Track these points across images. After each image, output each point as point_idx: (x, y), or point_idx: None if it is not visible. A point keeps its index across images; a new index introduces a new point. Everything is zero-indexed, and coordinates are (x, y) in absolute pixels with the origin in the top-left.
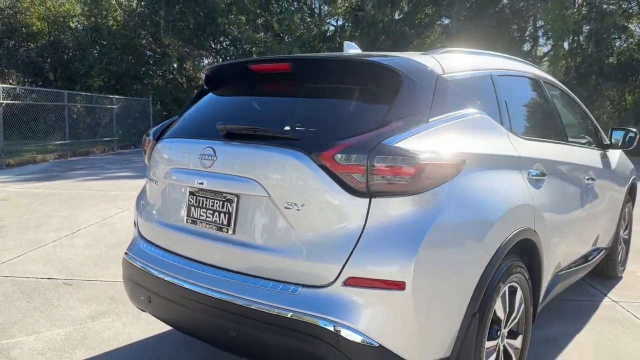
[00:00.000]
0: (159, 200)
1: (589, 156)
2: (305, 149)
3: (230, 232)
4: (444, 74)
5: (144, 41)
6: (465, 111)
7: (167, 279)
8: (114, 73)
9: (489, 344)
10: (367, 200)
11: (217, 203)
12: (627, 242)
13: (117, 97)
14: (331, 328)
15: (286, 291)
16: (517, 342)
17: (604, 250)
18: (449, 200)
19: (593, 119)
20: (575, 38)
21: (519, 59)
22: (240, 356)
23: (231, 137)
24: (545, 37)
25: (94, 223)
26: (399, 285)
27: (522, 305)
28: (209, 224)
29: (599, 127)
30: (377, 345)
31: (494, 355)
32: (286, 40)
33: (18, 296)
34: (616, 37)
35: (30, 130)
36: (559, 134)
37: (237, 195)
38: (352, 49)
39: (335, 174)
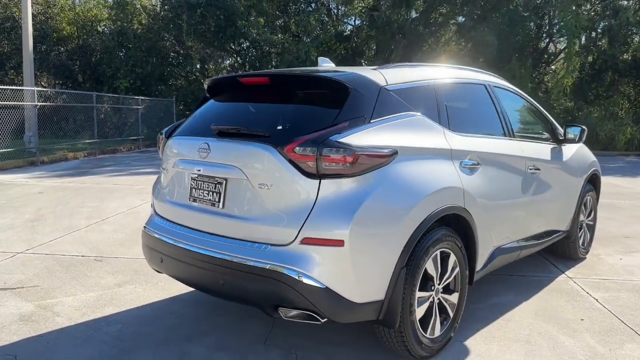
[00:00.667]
0: (169, 184)
1: (535, 149)
2: (273, 143)
3: (221, 206)
4: (386, 85)
5: (167, 44)
6: (404, 114)
7: (174, 243)
8: (139, 75)
9: (421, 294)
10: (318, 181)
11: (211, 185)
12: (591, 228)
13: (142, 98)
14: (291, 274)
15: (259, 249)
16: (453, 298)
17: (560, 233)
18: (382, 181)
19: (550, 118)
20: (590, 35)
21: (471, 68)
22: (227, 300)
23: (221, 135)
24: (559, 35)
25: (121, 212)
26: (339, 243)
27: (457, 269)
28: (205, 201)
29: (556, 124)
30: (324, 287)
31: (427, 304)
32: (303, 41)
33: (58, 269)
34: (631, 33)
35: (62, 130)
36: (501, 131)
37: (226, 179)
38: (325, 63)
39: (295, 162)
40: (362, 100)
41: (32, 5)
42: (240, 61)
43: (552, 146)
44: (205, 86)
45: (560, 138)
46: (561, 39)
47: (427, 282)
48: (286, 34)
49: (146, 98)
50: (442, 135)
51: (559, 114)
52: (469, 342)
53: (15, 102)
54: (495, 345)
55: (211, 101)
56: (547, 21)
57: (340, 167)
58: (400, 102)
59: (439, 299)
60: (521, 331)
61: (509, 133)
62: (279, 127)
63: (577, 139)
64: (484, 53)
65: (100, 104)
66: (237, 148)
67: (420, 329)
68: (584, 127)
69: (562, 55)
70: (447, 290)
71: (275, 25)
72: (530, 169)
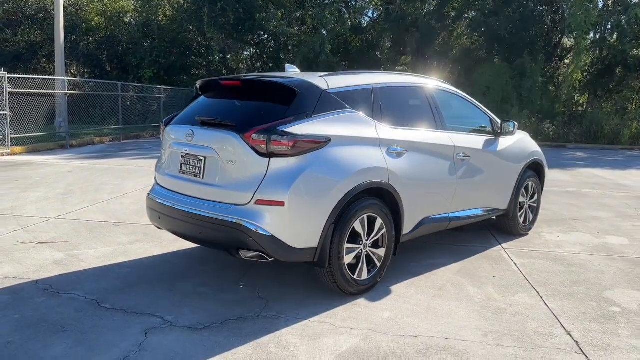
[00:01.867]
0: (166, 161)
1: (467, 140)
2: (237, 131)
3: (201, 177)
4: (328, 89)
5: (190, 35)
6: (342, 111)
7: (168, 204)
8: (163, 65)
9: (349, 246)
10: (268, 159)
11: (194, 161)
12: (533, 209)
13: (164, 87)
14: (248, 226)
15: (227, 208)
16: (380, 252)
17: (498, 210)
18: (316, 160)
19: (488, 114)
20: (599, 30)
21: (413, 74)
22: (203, 245)
23: (203, 124)
24: (568, 30)
25: (138, 189)
26: (281, 204)
27: (384, 230)
28: (191, 174)
29: (495, 120)
30: (270, 235)
31: (355, 254)
32: (320, 33)
33: (83, 230)
34: None
35: (90, 116)
36: (434, 125)
37: (205, 157)
38: (291, 69)
39: (252, 145)
40: (305, 100)
41: None
42: (258, 52)
43: (487, 138)
44: (197, 86)
45: (498, 131)
46: (571, 34)
47: (356, 238)
48: (303, 27)
49: (168, 87)
50: (373, 128)
51: (570, 108)
52: (394, 287)
53: (47, 91)
54: (414, 289)
55: (201, 97)
56: (560, 16)
57: (284, 149)
58: (339, 102)
59: (367, 251)
60: (439, 281)
61: (441, 126)
62: (243, 119)
63: (513, 132)
64: (495, 47)
65: (125, 93)
66: (213, 134)
67: (349, 272)
68: (515, 122)
69: (573, 50)
70: (376, 245)
71: (292, 18)
72: (459, 156)
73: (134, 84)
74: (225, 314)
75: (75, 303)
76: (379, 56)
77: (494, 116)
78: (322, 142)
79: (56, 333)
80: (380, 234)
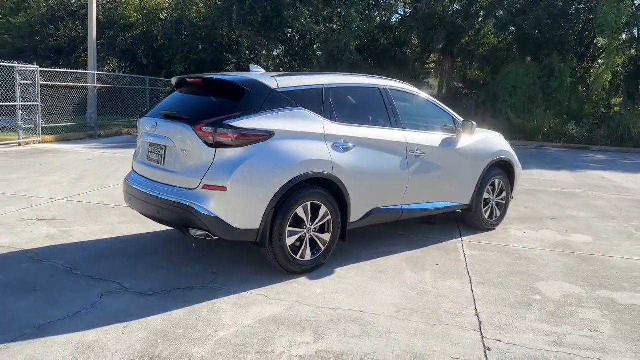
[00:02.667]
0: (139, 150)
1: (423, 138)
2: (190, 124)
3: (162, 164)
4: (277, 88)
5: (220, 32)
6: (289, 108)
7: (137, 188)
8: (194, 60)
9: (292, 229)
10: (215, 149)
11: (157, 150)
12: (501, 206)
13: None
14: (197, 208)
15: (180, 191)
16: (325, 237)
17: (459, 205)
18: (258, 151)
19: (451, 115)
20: (634, 30)
21: (370, 76)
22: (161, 223)
23: (165, 117)
24: (598, 30)
25: None
26: (224, 189)
27: (329, 217)
28: (154, 161)
29: (457, 120)
30: (215, 216)
31: (297, 237)
32: (344, 31)
33: (82, 211)
34: None
35: (119, 108)
36: (388, 123)
37: (165, 146)
38: (255, 69)
39: (201, 137)
40: (254, 97)
41: None
42: (286, 50)
43: (447, 136)
44: (172, 82)
45: (459, 130)
46: (602, 34)
47: (300, 222)
48: (329, 25)
49: None
50: (320, 124)
51: (600, 109)
52: (338, 269)
53: (75, 84)
54: (355, 272)
55: (175, 92)
56: (594, 15)
57: (228, 141)
58: (288, 100)
59: (311, 235)
60: (382, 266)
61: (395, 124)
62: (197, 113)
63: (472, 131)
64: (523, 46)
65: (153, 87)
66: (171, 126)
67: (291, 253)
68: (474, 122)
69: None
70: (321, 230)
71: (319, 16)
72: (413, 152)
73: (162, 79)
74: (176, 284)
75: (52, 269)
76: (408, 54)
77: (457, 116)
78: (264, 136)
79: (28, 292)
80: (325, 220)
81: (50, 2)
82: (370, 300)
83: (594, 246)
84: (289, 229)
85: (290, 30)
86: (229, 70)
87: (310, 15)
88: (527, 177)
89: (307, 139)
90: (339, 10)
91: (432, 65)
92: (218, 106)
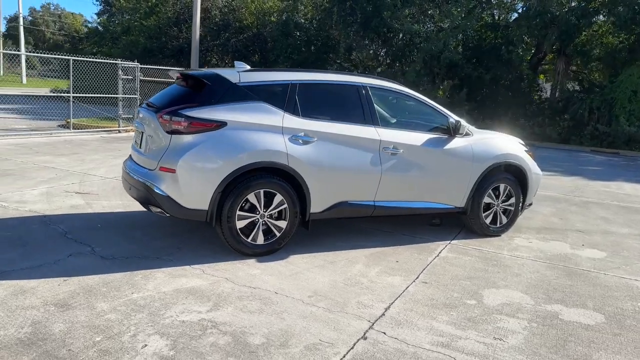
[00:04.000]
0: (134, 137)
1: (401, 136)
2: (155, 112)
3: (140, 148)
4: (238, 82)
5: (323, 32)
6: (249, 101)
7: (126, 170)
8: (296, 61)
9: (243, 213)
10: (170, 136)
11: (139, 135)
12: (508, 212)
13: None
14: (153, 188)
15: (145, 172)
16: (281, 224)
17: (450, 207)
18: (209, 139)
19: (446, 115)
20: None
21: (351, 73)
22: (139, 203)
23: (147, 106)
24: None
25: None
26: (173, 171)
27: (285, 205)
28: (138, 145)
29: (453, 122)
30: (166, 195)
31: (248, 221)
32: (445, 30)
33: (117, 188)
34: None
35: None
36: (362, 120)
37: (142, 132)
38: (240, 65)
39: (161, 124)
40: (213, 90)
41: None
42: (385, 50)
43: (434, 136)
44: (174, 77)
45: (453, 131)
46: None
47: (254, 208)
48: (429, 24)
49: None
50: (279, 118)
51: None
52: (293, 256)
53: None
54: (307, 260)
55: (172, 86)
56: None
57: (181, 128)
58: (248, 93)
59: (264, 221)
60: (338, 258)
61: (370, 121)
62: (164, 103)
63: (463, 133)
64: None
65: None
66: (146, 114)
67: (241, 235)
68: (463, 123)
69: None
70: (277, 218)
71: (419, 15)
72: (387, 149)
73: None
74: (137, 253)
75: (51, 232)
76: (517, 53)
77: (452, 116)
78: (215, 125)
79: (17, 247)
80: (281, 208)
81: (177, 6)
82: (296, 284)
83: (599, 263)
84: (239, 212)
85: (386, 30)
86: (331, 69)
87: (410, 15)
88: (600, 189)
89: (262, 130)
90: (440, 9)
91: (547, 67)
92: (184, 97)
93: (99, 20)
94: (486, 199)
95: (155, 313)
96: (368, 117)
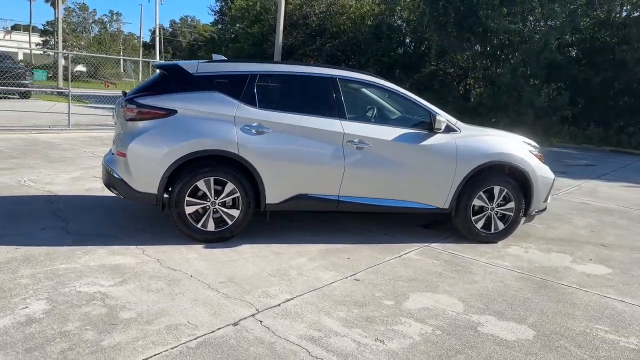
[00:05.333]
0: None
1: (369, 129)
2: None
3: (114, 138)
4: (195, 72)
5: (416, 35)
6: (203, 91)
7: (104, 162)
8: (386, 63)
9: (192, 199)
10: (127, 122)
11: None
12: (506, 218)
13: None
14: (111, 172)
15: (110, 157)
16: (233, 212)
17: (433, 208)
18: (158, 126)
19: (429, 109)
20: None
21: (323, 65)
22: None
23: (124, 95)
24: None
25: None
26: (124, 156)
27: (237, 194)
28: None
29: (435, 118)
30: (120, 178)
31: (198, 207)
32: (545, 29)
33: None
34: None
35: None
36: (325, 112)
37: (115, 120)
38: (217, 57)
39: (122, 111)
40: (169, 80)
41: (317, 4)
42: (480, 51)
43: (410, 130)
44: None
45: (431, 126)
46: None
47: (205, 195)
48: (528, 23)
49: None
50: (233, 107)
51: None
52: (244, 245)
53: None
54: (255, 250)
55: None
56: None
57: (133, 115)
58: (204, 83)
59: (215, 209)
60: (287, 251)
61: (337, 115)
62: (131, 93)
63: (441, 129)
64: None
65: None
66: (119, 103)
67: (191, 221)
68: (442, 118)
69: None
70: (230, 206)
71: (519, 14)
72: (351, 143)
73: None
74: (101, 232)
75: (47, 209)
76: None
77: (435, 111)
78: (164, 113)
79: (9, 218)
80: (234, 196)
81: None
82: (218, 271)
83: (592, 279)
84: (188, 198)
85: (481, 29)
86: (419, 72)
87: (508, 13)
88: None
89: (212, 119)
90: (542, 7)
91: None
92: (149, 87)
93: (212, 29)
94: (477, 202)
95: (62, 282)
96: (333, 110)
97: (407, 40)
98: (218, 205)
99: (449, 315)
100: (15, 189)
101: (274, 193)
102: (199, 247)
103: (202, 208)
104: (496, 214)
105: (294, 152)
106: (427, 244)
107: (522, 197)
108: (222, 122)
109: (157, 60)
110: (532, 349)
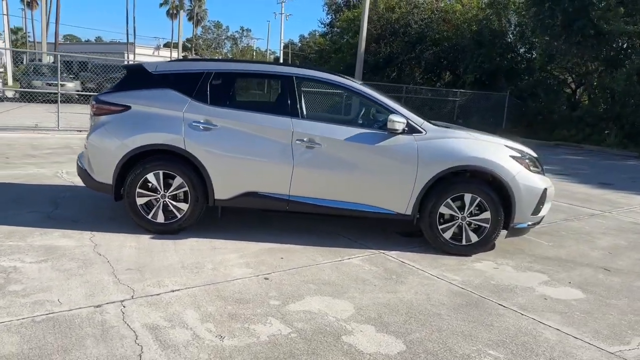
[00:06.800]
0: None
1: (320, 128)
2: None
3: None
4: (154, 71)
5: (523, 40)
6: (158, 88)
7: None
8: (486, 70)
9: (142, 191)
10: (93, 117)
11: None
12: (482, 230)
13: (461, 90)
14: (79, 162)
15: (82, 152)
16: (182, 206)
17: (393, 213)
18: (113, 120)
19: (392, 109)
20: None
21: (284, 64)
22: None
23: None
24: None
25: None
26: (85, 147)
27: (185, 188)
28: None
29: (390, 117)
30: (84, 168)
31: (148, 199)
32: None
33: None
34: None
35: None
36: (279, 110)
37: None
38: (191, 58)
39: (90, 108)
40: (129, 78)
41: (418, 12)
42: (593, 55)
43: (366, 131)
44: None
45: (388, 127)
46: None
47: (155, 188)
48: None
49: (467, 91)
50: (184, 104)
51: None
52: (189, 239)
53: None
54: (195, 244)
55: None
56: None
57: (94, 110)
58: (160, 81)
59: (164, 201)
60: (225, 246)
61: (289, 113)
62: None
63: (402, 131)
64: None
65: (409, 95)
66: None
67: (141, 212)
68: (398, 119)
69: None
70: (179, 199)
71: (638, 14)
72: (301, 141)
73: (425, 87)
74: (77, 218)
75: (53, 196)
76: None
77: (398, 110)
78: (118, 109)
79: (14, 201)
80: (181, 190)
81: (378, 24)
82: (137, 259)
83: (547, 302)
84: (139, 190)
85: (593, 32)
86: (526, 80)
87: (625, 14)
88: None
89: (162, 115)
90: None
91: None
92: (115, 85)
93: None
94: (444, 210)
95: None
96: (286, 108)
97: (512, 46)
98: (168, 198)
99: (324, 321)
100: (47, 179)
101: (222, 189)
102: (145, 237)
103: (154, 200)
104: (469, 225)
105: (241, 149)
106: (384, 251)
107: (501, 207)
108: (171, 117)
109: None
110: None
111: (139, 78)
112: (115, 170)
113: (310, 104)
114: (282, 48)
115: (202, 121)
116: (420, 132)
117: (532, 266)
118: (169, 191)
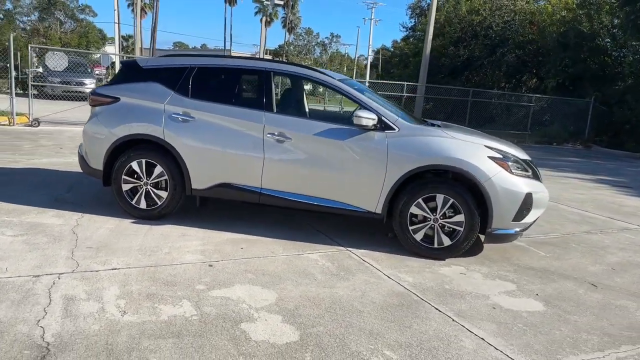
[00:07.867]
0: None
1: (291, 123)
2: None
3: None
4: (145, 65)
5: (616, 42)
6: (146, 82)
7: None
8: (570, 74)
9: (127, 178)
10: (92, 107)
11: None
12: (456, 233)
13: (536, 95)
14: (79, 150)
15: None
16: (162, 194)
17: (363, 210)
18: (104, 111)
19: (361, 103)
20: None
21: (260, 58)
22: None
23: None
24: None
25: None
26: (83, 135)
27: (165, 176)
28: None
29: (356, 113)
30: (82, 155)
31: (132, 186)
32: None
33: None
34: None
35: (435, 117)
36: (254, 104)
37: None
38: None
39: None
40: (123, 72)
41: (500, 14)
42: None
43: (336, 126)
44: None
45: (355, 123)
46: None
47: (137, 176)
48: None
49: (542, 96)
50: (166, 97)
51: None
52: (166, 225)
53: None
54: (170, 230)
55: None
56: None
57: (91, 102)
58: (148, 75)
59: (147, 189)
60: (195, 234)
61: (262, 106)
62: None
63: (366, 127)
64: None
65: (476, 99)
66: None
67: (126, 197)
68: (363, 114)
69: None
70: (160, 188)
71: None
72: (271, 135)
73: (494, 91)
74: (76, 201)
75: (72, 181)
76: None
77: (369, 108)
78: (109, 100)
79: (37, 185)
80: (161, 179)
81: (460, 25)
82: (105, 239)
83: (494, 312)
84: (124, 177)
85: None
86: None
87: None
88: None
89: (146, 107)
90: None
91: None
92: (112, 79)
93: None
94: (415, 210)
95: None
96: (260, 102)
97: (602, 49)
98: (150, 186)
99: (235, 308)
100: (78, 167)
101: (199, 179)
102: (127, 222)
103: (138, 187)
104: (442, 227)
105: (215, 141)
106: (352, 249)
107: (476, 210)
108: (153, 109)
109: (367, 79)
110: (289, 350)
111: (131, 72)
112: (105, 158)
113: (312, 101)
114: (369, 53)
115: (180, 113)
116: (393, 129)
117: (506, 275)
118: (151, 179)
